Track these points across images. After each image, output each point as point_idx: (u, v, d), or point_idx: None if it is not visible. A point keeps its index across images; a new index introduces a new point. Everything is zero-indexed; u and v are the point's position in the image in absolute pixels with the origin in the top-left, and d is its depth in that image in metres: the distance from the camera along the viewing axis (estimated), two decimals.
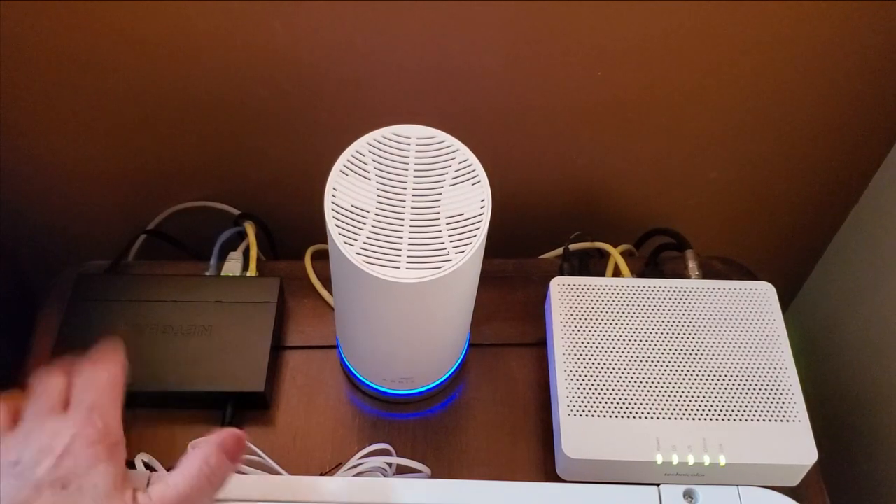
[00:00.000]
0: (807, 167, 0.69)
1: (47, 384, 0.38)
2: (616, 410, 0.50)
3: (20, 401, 0.38)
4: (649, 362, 0.52)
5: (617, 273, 0.61)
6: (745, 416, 0.50)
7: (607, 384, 0.51)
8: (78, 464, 0.34)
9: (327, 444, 0.54)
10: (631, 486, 0.47)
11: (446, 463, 0.53)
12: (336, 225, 0.43)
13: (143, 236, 0.67)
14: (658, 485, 0.47)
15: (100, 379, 0.38)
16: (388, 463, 0.50)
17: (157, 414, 0.55)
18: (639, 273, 0.62)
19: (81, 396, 0.37)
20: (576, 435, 0.50)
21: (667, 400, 0.51)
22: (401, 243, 0.43)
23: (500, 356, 0.58)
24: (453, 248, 0.43)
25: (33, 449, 0.34)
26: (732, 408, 0.51)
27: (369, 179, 0.44)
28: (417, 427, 0.55)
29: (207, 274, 0.61)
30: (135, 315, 0.56)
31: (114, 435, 0.36)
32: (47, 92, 0.60)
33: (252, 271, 0.61)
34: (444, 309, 0.48)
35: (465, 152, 0.46)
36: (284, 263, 0.64)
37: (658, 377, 0.52)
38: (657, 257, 0.63)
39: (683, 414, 0.50)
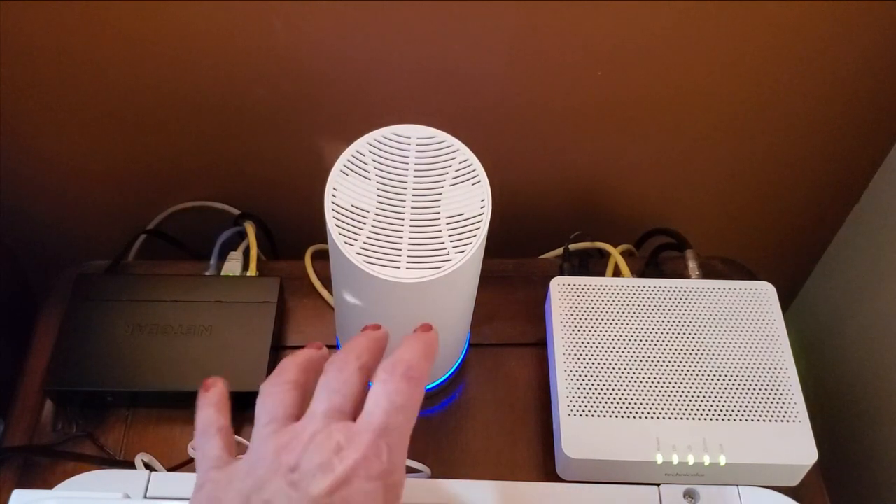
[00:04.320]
0: (807, 167, 0.69)
1: (342, 381, 0.34)
2: (616, 410, 0.50)
3: (308, 378, 0.35)
4: (649, 362, 0.52)
5: (617, 273, 0.61)
6: (745, 416, 0.50)
7: (607, 384, 0.51)
8: (352, 496, 0.31)
9: None
10: (631, 486, 0.47)
11: (446, 463, 0.53)
12: (336, 225, 0.43)
13: (143, 236, 0.67)
14: (658, 485, 0.47)
15: (398, 397, 0.33)
16: None
17: (157, 414, 0.55)
18: (639, 273, 0.62)
19: (375, 411, 0.33)
20: (576, 435, 0.50)
21: (667, 400, 0.51)
22: (401, 243, 0.43)
23: (500, 356, 0.58)
24: (453, 248, 0.43)
25: (314, 460, 0.31)
26: (732, 408, 0.51)
27: (369, 179, 0.44)
28: (417, 427, 0.55)
29: (207, 274, 0.61)
30: (135, 315, 0.56)
31: (397, 474, 0.32)
32: (47, 92, 0.60)
33: (252, 271, 0.61)
34: (443, 309, 0.48)
35: (465, 152, 0.46)
36: (284, 263, 0.64)
37: (658, 377, 0.52)
38: (657, 257, 0.63)
39: (683, 414, 0.50)
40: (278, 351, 0.58)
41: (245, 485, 0.31)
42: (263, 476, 0.31)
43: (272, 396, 0.34)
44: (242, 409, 0.55)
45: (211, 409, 0.36)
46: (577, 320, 0.54)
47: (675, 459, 0.49)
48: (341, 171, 0.45)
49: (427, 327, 0.37)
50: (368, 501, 0.31)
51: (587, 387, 0.51)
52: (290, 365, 0.35)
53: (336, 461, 0.31)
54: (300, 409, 0.34)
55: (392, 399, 0.33)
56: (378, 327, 0.37)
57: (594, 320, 0.54)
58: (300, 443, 0.32)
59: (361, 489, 0.31)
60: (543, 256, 0.66)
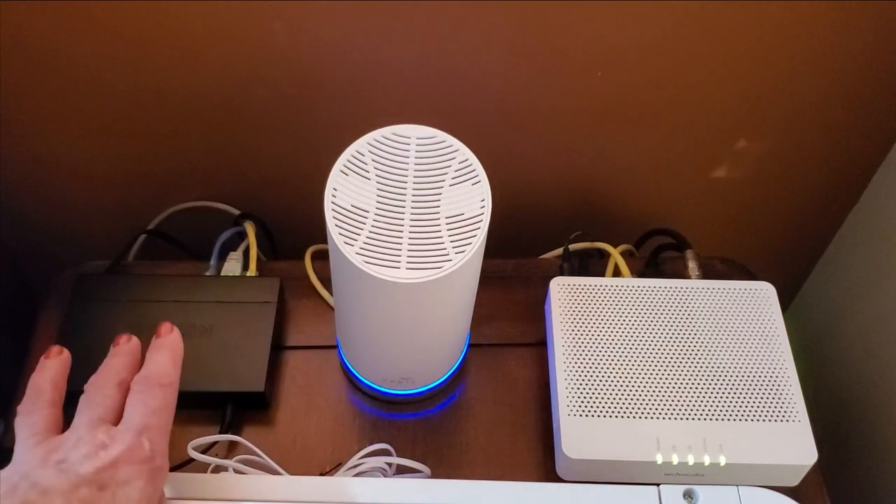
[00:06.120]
0: (807, 167, 0.69)
1: (102, 396, 0.39)
2: (616, 410, 0.50)
3: (57, 409, 0.39)
4: (649, 362, 0.52)
5: (617, 273, 0.61)
6: (745, 416, 0.50)
7: (607, 384, 0.51)
8: (118, 476, 0.35)
9: (327, 445, 0.54)
10: (631, 486, 0.47)
11: (446, 463, 0.53)
12: (336, 225, 0.43)
13: (143, 236, 0.67)
14: (658, 485, 0.47)
15: (153, 401, 0.38)
16: (388, 463, 0.50)
17: None
18: (639, 273, 0.62)
19: (134, 415, 0.38)
20: (576, 435, 0.50)
21: (667, 400, 0.51)
22: (401, 243, 0.43)
23: (500, 356, 0.58)
24: (453, 248, 0.43)
25: (80, 453, 0.36)
26: (732, 408, 0.51)
27: (369, 179, 0.44)
28: (417, 427, 0.55)
29: (207, 274, 0.61)
30: (135, 315, 0.56)
31: (158, 460, 0.37)
32: (47, 92, 0.60)
33: (252, 271, 0.61)
34: (444, 309, 0.48)
35: (465, 152, 0.46)
36: (284, 263, 0.64)
37: (658, 377, 0.52)
38: (657, 257, 0.63)
39: (683, 414, 0.50)
40: (278, 351, 0.58)
41: (12, 481, 0.35)
42: (30, 470, 0.35)
43: (31, 415, 0.38)
44: (243, 409, 0.55)
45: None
46: (577, 320, 0.54)
47: (675, 459, 0.49)
48: (341, 171, 0.45)
49: (168, 328, 0.41)
50: (133, 479, 0.35)
51: (587, 387, 0.51)
52: (45, 384, 0.40)
53: (102, 452, 0.36)
54: (59, 424, 0.39)
55: (147, 403, 0.38)
56: (130, 338, 0.42)
57: (594, 320, 0.54)
58: (67, 446, 0.36)
59: (127, 471, 0.36)
60: (543, 256, 0.66)
